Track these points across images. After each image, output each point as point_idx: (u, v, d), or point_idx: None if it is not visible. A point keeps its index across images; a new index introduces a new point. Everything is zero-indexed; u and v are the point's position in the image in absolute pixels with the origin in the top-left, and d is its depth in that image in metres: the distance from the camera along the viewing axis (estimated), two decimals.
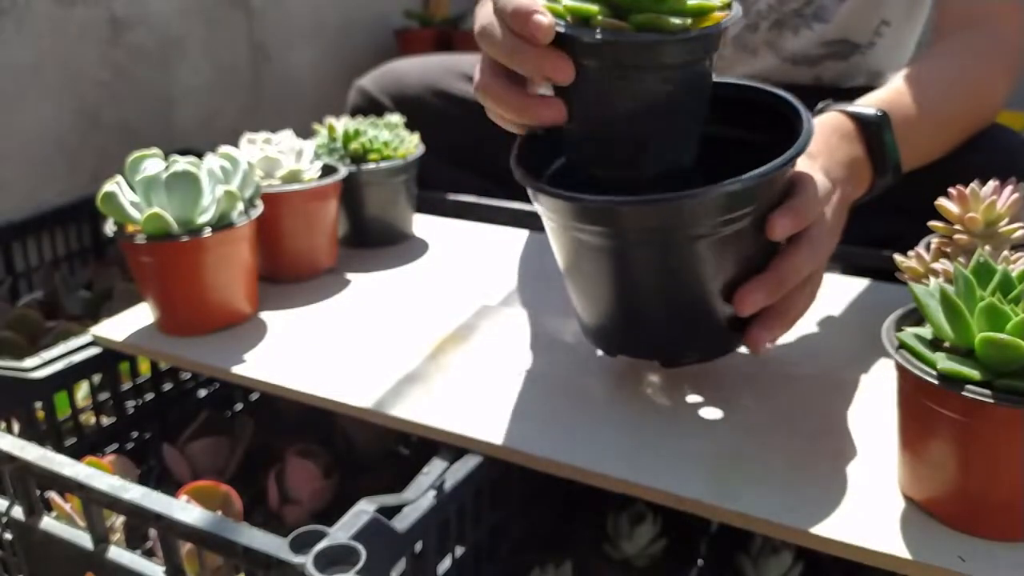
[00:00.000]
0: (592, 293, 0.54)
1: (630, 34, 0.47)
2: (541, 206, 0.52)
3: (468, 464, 0.52)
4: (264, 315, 0.71)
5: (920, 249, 0.54)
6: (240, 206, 0.68)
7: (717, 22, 0.48)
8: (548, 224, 0.53)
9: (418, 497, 0.49)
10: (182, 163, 0.66)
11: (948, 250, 0.52)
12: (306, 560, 0.43)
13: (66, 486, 0.53)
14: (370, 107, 1.02)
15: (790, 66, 0.95)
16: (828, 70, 0.95)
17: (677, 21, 0.46)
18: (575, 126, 0.51)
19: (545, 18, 0.47)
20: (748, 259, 0.51)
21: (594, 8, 0.47)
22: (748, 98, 0.56)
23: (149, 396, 0.75)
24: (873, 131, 0.61)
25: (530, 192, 0.51)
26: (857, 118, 0.62)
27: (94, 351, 0.69)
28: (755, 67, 0.96)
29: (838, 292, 0.71)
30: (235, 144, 0.76)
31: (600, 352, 0.58)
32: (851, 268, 0.76)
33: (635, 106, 0.49)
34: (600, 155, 0.52)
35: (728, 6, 0.50)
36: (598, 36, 0.47)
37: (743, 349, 0.55)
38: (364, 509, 0.46)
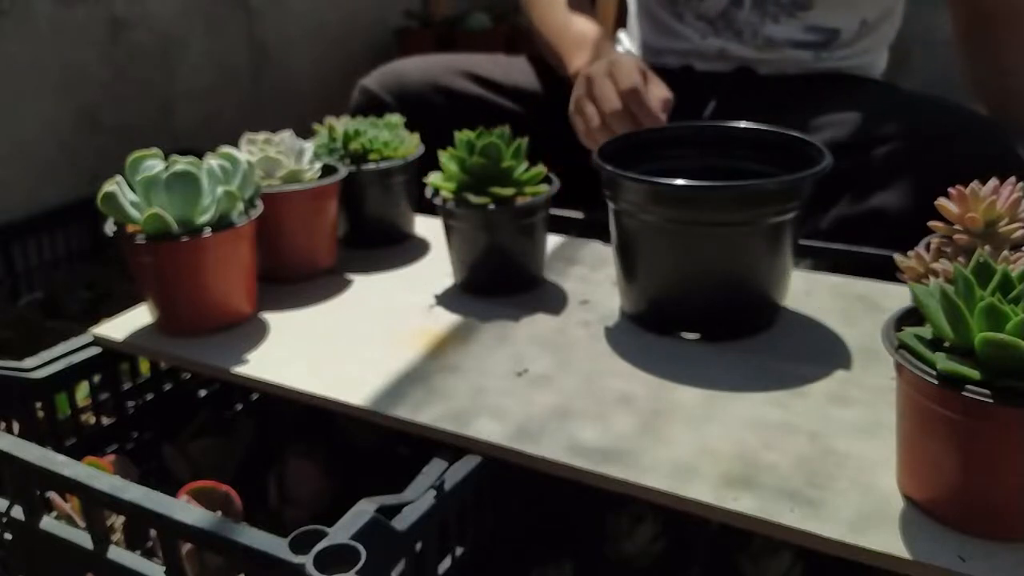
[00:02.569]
0: (659, 275, 0.65)
1: (461, 207, 0.70)
2: (624, 195, 0.63)
3: (468, 464, 0.52)
4: (264, 315, 0.71)
5: (920, 249, 0.54)
6: (240, 206, 0.68)
7: (537, 193, 0.70)
8: (624, 216, 0.64)
9: (418, 497, 0.49)
10: (182, 163, 0.66)
11: (948, 250, 0.52)
12: (306, 560, 0.43)
13: (66, 486, 0.53)
14: (373, 105, 1.02)
15: (777, 53, 0.97)
16: (820, 55, 0.96)
17: (508, 192, 0.69)
18: (453, 256, 0.74)
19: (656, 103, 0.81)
20: (779, 248, 0.63)
21: (451, 185, 0.70)
22: (769, 140, 0.71)
23: (149, 396, 0.75)
24: None
25: (610, 182, 0.64)
26: None
27: (94, 351, 0.69)
28: (744, 54, 0.97)
29: (838, 292, 0.71)
30: (235, 144, 0.76)
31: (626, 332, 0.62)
32: (851, 268, 0.76)
33: (476, 247, 0.72)
34: (463, 276, 0.74)
35: (548, 179, 0.73)
36: (447, 207, 0.70)
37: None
38: (364, 509, 0.46)
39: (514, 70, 1.06)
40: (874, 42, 1.01)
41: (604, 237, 0.84)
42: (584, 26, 0.98)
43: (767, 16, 0.96)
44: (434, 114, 0.95)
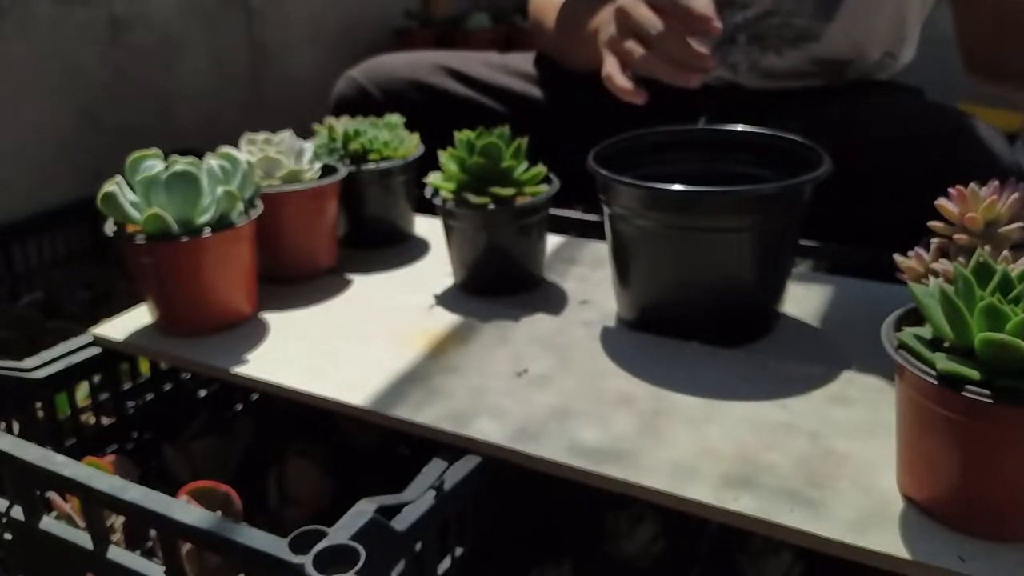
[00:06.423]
0: (655, 281, 0.64)
1: (461, 207, 0.70)
2: (619, 200, 0.62)
3: (468, 464, 0.52)
4: (264, 315, 0.71)
5: (920, 249, 0.54)
6: (240, 206, 0.68)
7: (537, 193, 0.70)
8: (619, 221, 0.63)
9: (418, 497, 0.49)
10: (182, 163, 0.66)
11: (948, 250, 0.52)
12: (306, 560, 0.43)
13: (66, 486, 0.53)
14: (358, 96, 1.02)
15: (778, 83, 0.95)
16: (823, 81, 0.95)
17: (508, 192, 0.69)
18: (453, 256, 0.74)
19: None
20: (778, 254, 0.62)
21: (451, 185, 0.70)
22: (767, 143, 0.70)
23: (149, 396, 0.75)
24: None
25: (605, 187, 0.63)
26: None
27: (94, 351, 0.69)
28: (740, 82, 0.95)
29: (838, 292, 0.71)
30: (235, 144, 0.76)
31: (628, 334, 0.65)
32: (850, 268, 0.76)
33: (476, 247, 0.72)
34: (463, 276, 0.74)
35: (547, 179, 0.73)
36: (447, 207, 0.71)
37: None
38: (364, 509, 0.46)
39: (503, 70, 1.05)
40: (895, 66, 0.97)
41: (603, 237, 0.84)
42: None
43: (768, 49, 0.93)
44: (418, 111, 0.95)
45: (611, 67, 0.74)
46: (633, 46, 0.72)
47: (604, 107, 0.98)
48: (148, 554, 0.59)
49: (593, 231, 0.85)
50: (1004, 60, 0.88)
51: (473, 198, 0.69)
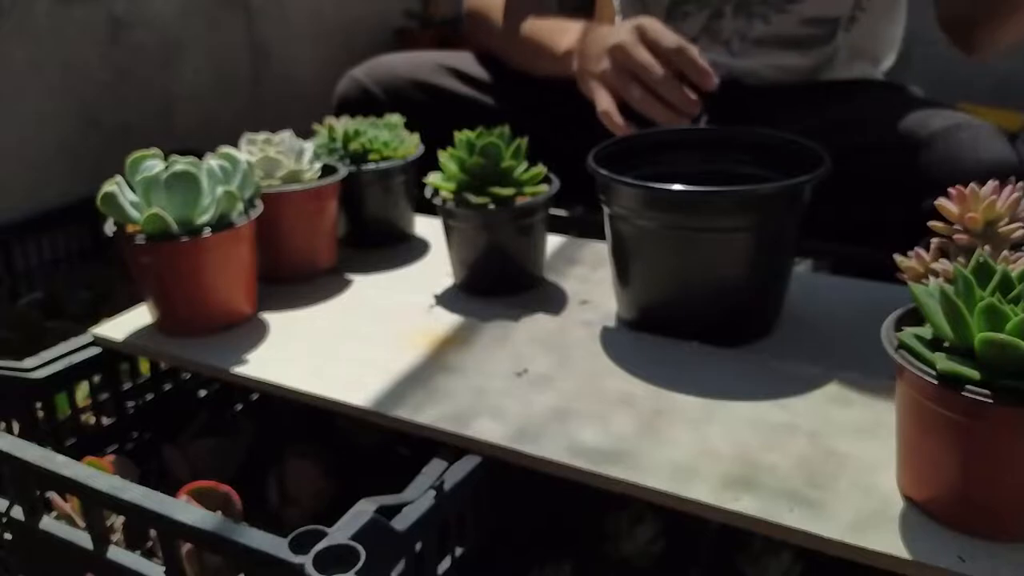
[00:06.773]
0: (655, 281, 0.64)
1: (461, 207, 0.70)
2: (619, 200, 0.62)
3: (468, 464, 0.52)
4: (264, 315, 0.71)
5: (920, 249, 0.54)
6: (240, 206, 0.68)
7: (537, 193, 0.70)
8: (619, 221, 0.63)
9: (418, 497, 0.49)
10: (182, 163, 0.66)
11: (948, 250, 0.52)
12: (306, 560, 0.43)
13: (66, 486, 0.53)
14: (360, 96, 1.02)
15: (776, 53, 0.95)
16: (816, 55, 0.95)
17: (508, 192, 0.69)
18: (453, 256, 0.74)
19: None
20: (777, 254, 0.63)
21: (451, 185, 0.70)
22: (768, 143, 0.70)
23: (149, 396, 0.75)
24: None
25: (605, 187, 0.63)
26: None
27: (94, 351, 0.69)
28: (734, 65, 0.96)
29: (838, 292, 0.71)
30: (235, 144, 0.76)
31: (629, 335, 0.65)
32: (849, 268, 0.76)
33: (476, 247, 0.72)
34: (463, 276, 0.74)
35: (547, 179, 0.73)
36: (447, 207, 0.71)
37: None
38: (364, 509, 0.46)
39: (503, 69, 1.06)
40: (874, 28, 0.97)
41: (603, 237, 0.84)
42: (561, 19, 0.96)
43: (755, 18, 0.94)
44: (421, 111, 0.95)
45: (607, 104, 0.79)
46: (634, 88, 0.77)
47: None
48: (148, 554, 0.59)
49: (593, 231, 0.85)
50: (968, 18, 0.89)
51: (473, 198, 0.69)
